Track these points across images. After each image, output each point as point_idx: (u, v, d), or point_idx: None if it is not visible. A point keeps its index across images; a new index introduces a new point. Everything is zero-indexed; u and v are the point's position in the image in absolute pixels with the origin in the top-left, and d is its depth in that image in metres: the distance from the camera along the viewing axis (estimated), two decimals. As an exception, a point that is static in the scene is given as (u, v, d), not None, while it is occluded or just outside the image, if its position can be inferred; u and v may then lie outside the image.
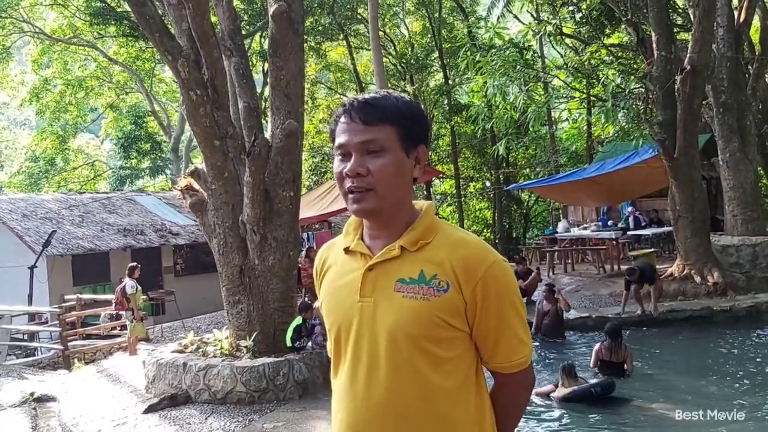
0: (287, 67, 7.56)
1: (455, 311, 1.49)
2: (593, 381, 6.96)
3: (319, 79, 29.75)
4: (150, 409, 6.62)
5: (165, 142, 30.81)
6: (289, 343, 7.20)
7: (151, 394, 7.19)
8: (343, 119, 1.55)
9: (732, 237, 12.98)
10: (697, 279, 11.28)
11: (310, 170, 27.05)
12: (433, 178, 26.02)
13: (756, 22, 15.49)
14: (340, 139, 1.55)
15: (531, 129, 19.40)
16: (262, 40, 24.99)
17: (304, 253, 11.31)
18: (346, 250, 1.64)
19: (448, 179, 28.02)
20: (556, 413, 6.69)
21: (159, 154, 31.47)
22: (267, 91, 24.15)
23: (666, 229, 15.30)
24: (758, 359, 8.27)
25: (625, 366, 7.54)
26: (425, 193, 25.07)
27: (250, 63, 9.80)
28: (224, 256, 7.64)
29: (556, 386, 7.01)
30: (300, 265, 8.70)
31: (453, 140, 25.73)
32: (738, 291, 10.89)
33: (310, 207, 14.08)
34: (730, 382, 7.44)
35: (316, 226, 18.21)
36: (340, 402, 1.60)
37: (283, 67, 7.55)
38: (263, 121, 8.81)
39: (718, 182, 15.03)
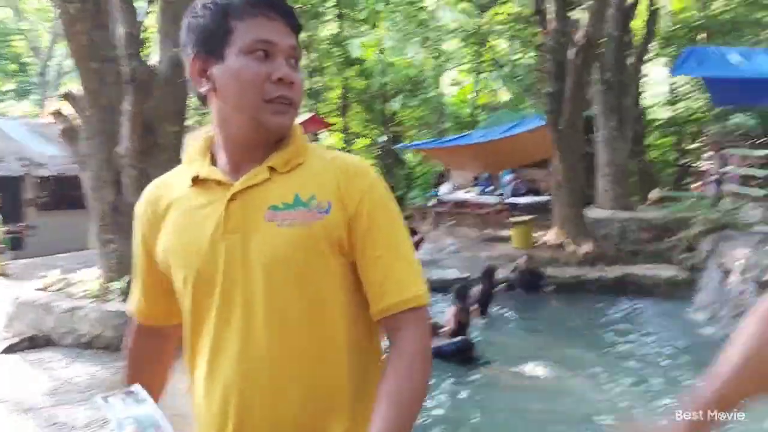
0: (180, -9, 6.96)
1: (339, 235, 1.27)
2: (451, 340, 7.05)
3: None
4: (9, 350, 6.09)
5: (33, 64, 28.40)
6: (164, 288, 6.78)
7: (9, 334, 6.58)
8: (264, 11, 1.28)
9: (603, 210, 13.68)
10: (570, 248, 11.78)
11: (193, 109, 25.87)
12: (321, 130, 25.61)
13: (642, 6, 16.12)
14: (267, 34, 1.27)
15: (424, 90, 19.52)
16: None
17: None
18: (195, 180, 1.34)
19: (336, 133, 27.70)
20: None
21: (25, 77, 29.01)
22: (147, 21, 22.65)
23: (542, 198, 15.87)
24: (616, 327, 8.74)
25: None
26: (311, 144, 24.63)
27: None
28: (96, 191, 7.05)
29: None
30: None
31: (344, 94, 25.37)
32: (607, 262, 11.47)
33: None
34: (588, 347, 7.83)
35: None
36: (211, 365, 1.29)
37: (174, -9, 6.96)
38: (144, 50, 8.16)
39: (590, 158, 15.73)
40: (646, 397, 6.03)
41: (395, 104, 12.53)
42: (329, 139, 30.00)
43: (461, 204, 16.82)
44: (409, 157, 27.36)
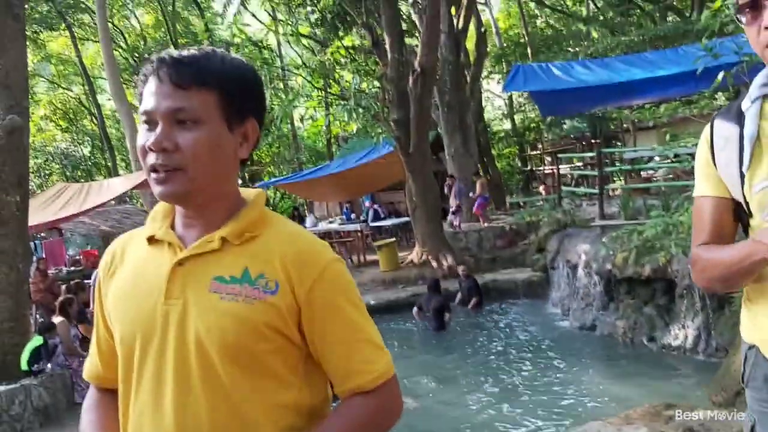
0: (7, 56, 6.72)
1: (285, 318, 1.22)
2: None
3: (38, 71, 26.96)
4: None
5: None
6: (25, 367, 6.42)
7: None
8: (151, 80, 1.23)
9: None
10: (434, 263, 12.28)
11: (33, 172, 24.46)
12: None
13: (471, 29, 17.24)
14: (146, 104, 1.22)
15: (274, 128, 19.66)
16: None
17: (34, 265, 10.17)
18: (151, 240, 1.30)
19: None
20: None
21: None
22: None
23: (403, 219, 16.43)
24: (487, 330, 9.26)
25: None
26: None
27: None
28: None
29: None
30: (31, 279, 7.81)
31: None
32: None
33: (35, 213, 12.73)
34: (462, 354, 8.29)
35: (43, 234, 16.52)
36: None
37: (1, 55, 6.70)
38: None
39: (443, 175, 16.53)
40: (529, 393, 6.52)
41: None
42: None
43: (326, 235, 17.03)
44: (270, 193, 27.33)
